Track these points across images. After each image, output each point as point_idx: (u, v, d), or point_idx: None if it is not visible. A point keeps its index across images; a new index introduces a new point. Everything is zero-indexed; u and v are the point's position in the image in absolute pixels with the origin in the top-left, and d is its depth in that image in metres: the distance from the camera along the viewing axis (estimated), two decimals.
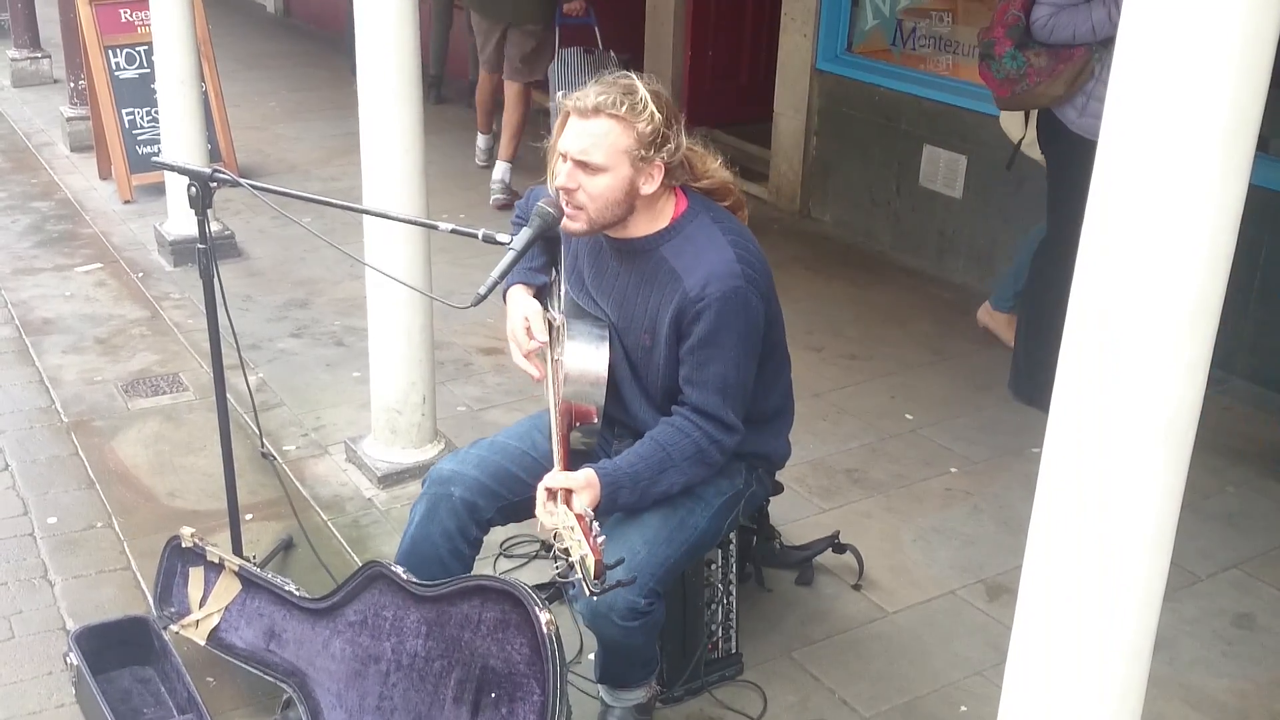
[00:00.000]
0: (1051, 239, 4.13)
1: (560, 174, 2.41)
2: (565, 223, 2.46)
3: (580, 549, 2.07)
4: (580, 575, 2.07)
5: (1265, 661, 3.06)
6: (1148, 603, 1.71)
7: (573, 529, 2.11)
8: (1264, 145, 4.13)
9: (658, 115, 2.36)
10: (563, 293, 2.70)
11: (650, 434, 2.48)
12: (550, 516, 2.21)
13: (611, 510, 2.39)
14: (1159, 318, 1.51)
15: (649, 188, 2.41)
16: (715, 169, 2.58)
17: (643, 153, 2.36)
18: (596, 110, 2.35)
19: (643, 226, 2.49)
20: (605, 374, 2.52)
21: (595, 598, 2.11)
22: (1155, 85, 1.44)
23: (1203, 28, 1.39)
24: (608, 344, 2.54)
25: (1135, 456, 1.57)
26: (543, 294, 2.78)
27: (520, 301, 2.73)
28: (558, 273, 2.78)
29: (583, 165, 2.37)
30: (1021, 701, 1.83)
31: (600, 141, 2.35)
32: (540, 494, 2.29)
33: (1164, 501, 1.61)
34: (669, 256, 2.46)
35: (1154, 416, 1.55)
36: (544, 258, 2.81)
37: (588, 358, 2.52)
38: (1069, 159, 3.87)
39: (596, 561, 2.04)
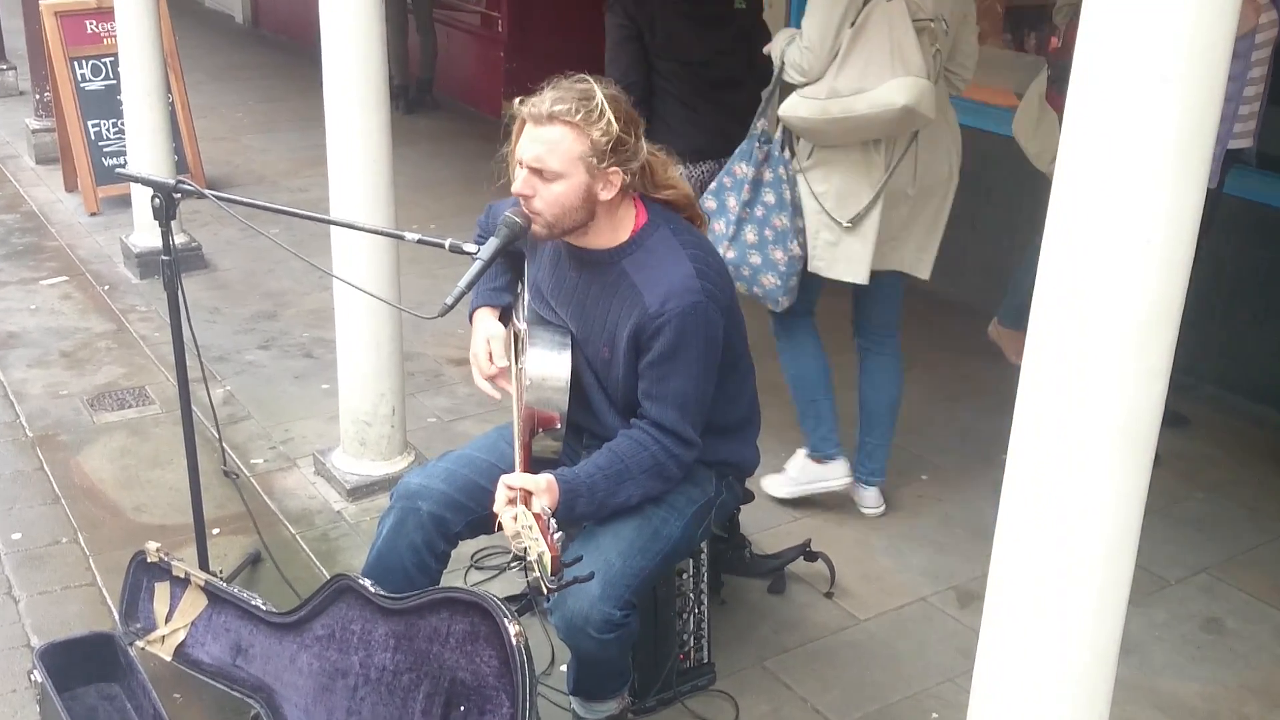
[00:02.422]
0: None
1: (517, 180, 2.40)
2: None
3: (538, 546, 2.07)
4: (537, 573, 2.07)
5: (1234, 665, 3.08)
6: (1112, 608, 1.71)
7: (530, 528, 2.11)
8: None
9: (614, 123, 2.34)
10: (525, 302, 2.69)
11: (609, 445, 2.47)
12: (512, 522, 2.20)
13: (569, 519, 2.38)
14: (1118, 325, 1.51)
15: (607, 194, 2.39)
16: (676, 179, 2.57)
17: (598, 160, 2.34)
18: (551, 117, 2.33)
19: (604, 238, 2.48)
20: (567, 380, 2.51)
21: (553, 595, 2.11)
22: (1112, 95, 1.45)
23: (1155, 38, 1.40)
24: (569, 350, 2.53)
25: (1096, 463, 1.58)
26: (507, 313, 2.78)
27: (483, 325, 2.72)
28: (522, 285, 2.77)
29: (538, 172, 2.36)
30: (989, 708, 1.83)
31: (555, 149, 2.33)
32: (500, 492, 2.27)
33: (1126, 507, 1.62)
34: (630, 270, 2.45)
35: (1114, 423, 1.56)
36: (508, 275, 2.81)
37: (549, 363, 2.51)
38: None
39: (554, 558, 2.04)
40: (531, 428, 2.52)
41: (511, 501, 2.23)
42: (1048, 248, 1.57)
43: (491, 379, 2.67)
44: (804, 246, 3.38)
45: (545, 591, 2.09)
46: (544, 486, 2.29)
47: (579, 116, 2.32)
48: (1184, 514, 3.73)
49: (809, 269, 3.41)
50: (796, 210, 3.35)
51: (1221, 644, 3.16)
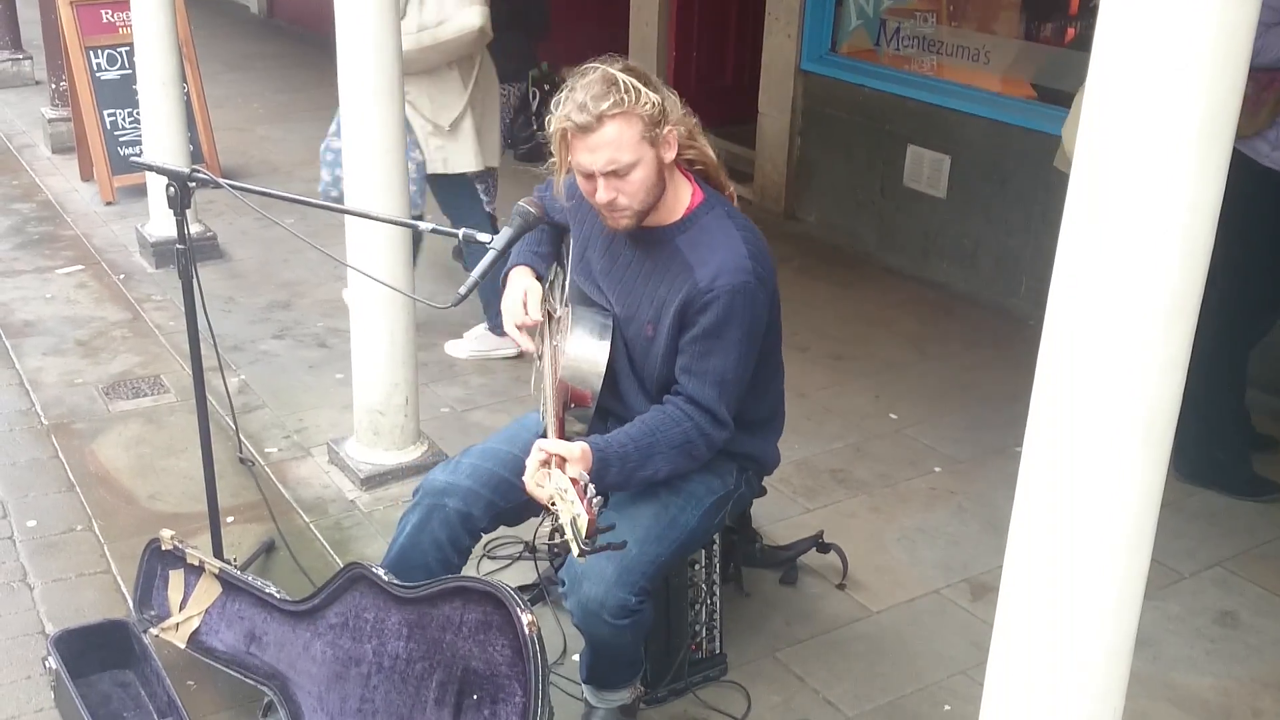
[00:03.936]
0: (1233, 297, 3.64)
1: (599, 192, 2.38)
2: (610, 225, 2.46)
3: (573, 509, 2.05)
4: (570, 536, 2.04)
5: (1248, 659, 3.07)
6: (1128, 601, 1.70)
7: (565, 491, 2.09)
8: None
9: (651, 94, 2.33)
10: (566, 283, 2.69)
11: (641, 418, 2.46)
12: (541, 488, 2.18)
13: (598, 487, 2.36)
14: (1137, 315, 1.50)
15: (670, 154, 2.40)
16: (699, 132, 2.53)
17: (654, 131, 2.34)
18: (600, 119, 2.30)
19: (663, 213, 2.48)
20: (604, 365, 2.52)
21: (583, 559, 2.08)
22: (1132, 82, 1.44)
23: (1176, 24, 1.39)
24: (610, 338, 2.54)
25: (1113, 456, 1.57)
26: (542, 282, 2.78)
27: (521, 278, 2.72)
28: (561, 267, 2.77)
29: (614, 174, 2.35)
30: (1003, 701, 1.82)
31: (619, 144, 2.32)
32: (533, 456, 2.24)
33: (1143, 500, 1.61)
34: (684, 248, 2.46)
35: (1132, 415, 1.55)
36: (549, 247, 2.81)
37: (589, 348, 2.52)
38: (1257, 196, 3.49)
39: (590, 521, 2.02)
40: (565, 402, 2.52)
41: (545, 464, 2.21)
42: (1065, 237, 1.56)
43: (522, 328, 2.66)
44: (424, 153, 4.33)
45: (578, 554, 2.06)
46: (578, 454, 2.27)
47: (624, 104, 2.31)
48: (1198, 507, 3.71)
49: (429, 171, 4.37)
50: (408, 126, 4.15)
51: (1235, 638, 3.14)
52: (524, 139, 5.49)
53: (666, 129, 2.37)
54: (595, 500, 2.06)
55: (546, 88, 5.52)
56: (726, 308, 2.39)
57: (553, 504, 2.14)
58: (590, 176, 2.37)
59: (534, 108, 5.51)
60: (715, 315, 2.39)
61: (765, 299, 2.46)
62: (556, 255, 2.82)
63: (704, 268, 2.41)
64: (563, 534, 2.07)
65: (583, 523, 2.02)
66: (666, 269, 2.47)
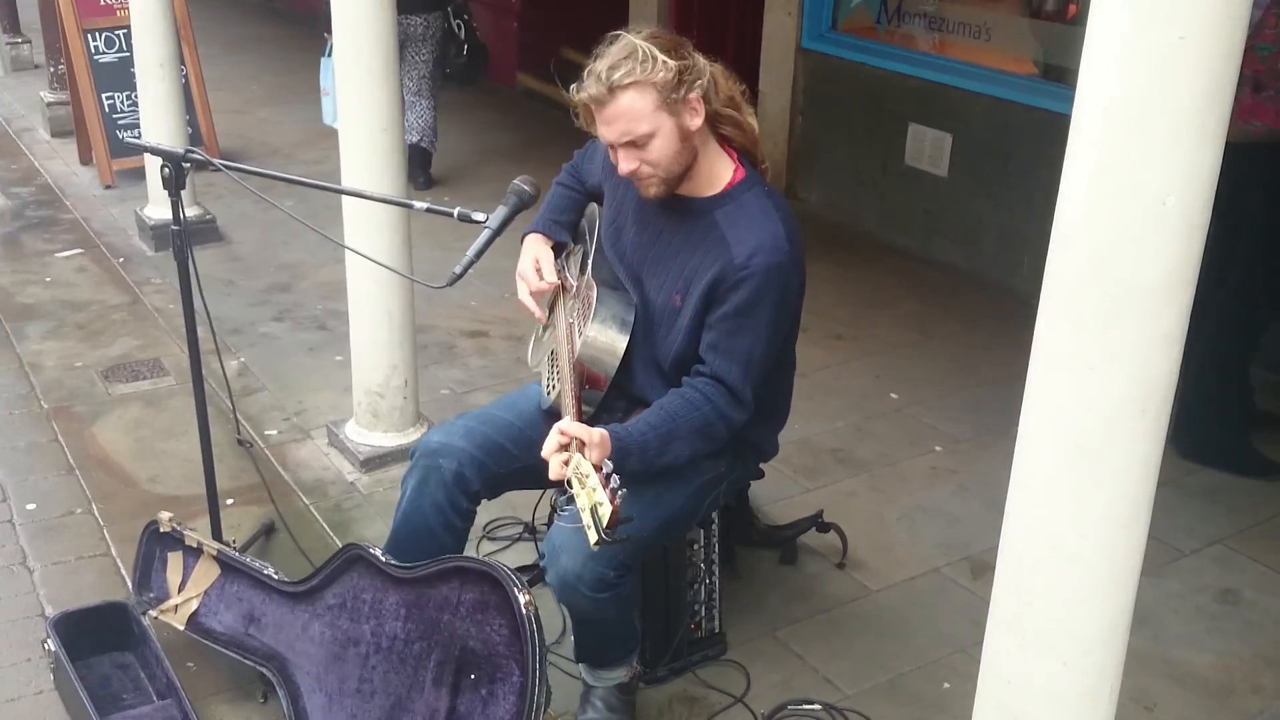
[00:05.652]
0: (1252, 282, 3.70)
1: (620, 164, 2.39)
2: (642, 193, 2.46)
3: (594, 497, 2.02)
4: (588, 523, 2.01)
5: (1249, 636, 3.06)
6: (1124, 578, 1.70)
7: (587, 476, 2.06)
8: None
9: (668, 59, 2.30)
10: (589, 256, 2.67)
11: (660, 403, 2.43)
12: (562, 467, 2.15)
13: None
14: (1132, 289, 1.49)
15: (695, 121, 2.37)
16: (737, 92, 2.52)
17: (673, 97, 2.31)
18: (613, 90, 2.30)
19: (701, 185, 2.47)
20: (620, 354, 2.52)
21: (598, 548, 2.06)
22: (1128, 53, 1.42)
23: None
24: (630, 329, 2.53)
25: (1110, 430, 1.56)
26: (559, 250, 2.78)
27: (535, 245, 2.72)
28: (581, 242, 2.76)
29: (632, 144, 2.34)
30: (999, 678, 1.82)
31: (633, 114, 2.31)
32: (553, 437, 2.22)
33: (1140, 475, 1.60)
34: (721, 221, 2.44)
35: (1129, 389, 1.54)
36: (573, 215, 2.80)
37: (610, 335, 2.52)
38: None
39: (614, 512, 1.98)
40: (580, 382, 2.51)
41: (565, 447, 2.19)
42: (1061, 211, 1.55)
43: (536, 296, 2.66)
44: None
45: (595, 543, 2.03)
46: (597, 440, 2.23)
47: (637, 73, 2.29)
48: (1199, 485, 3.70)
49: None
50: None
51: (1236, 615, 3.14)
52: (457, 64, 6.24)
53: (689, 95, 2.33)
54: (620, 491, 2.02)
55: (466, 17, 6.47)
56: (760, 286, 2.37)
57: (570, 485, 2.12)
58: (613, 148, 2.38)
59: (461, 35, 6.35)
60: (748, 293, 2.38)
61: (797, 282, 2.46)
62: (576, 225, 2.82)
63: (741, 245, 2.39)
64: (578, 517, 2.04)
65: (605, 512, 1.98)
66: (701, 241, 2.46)
